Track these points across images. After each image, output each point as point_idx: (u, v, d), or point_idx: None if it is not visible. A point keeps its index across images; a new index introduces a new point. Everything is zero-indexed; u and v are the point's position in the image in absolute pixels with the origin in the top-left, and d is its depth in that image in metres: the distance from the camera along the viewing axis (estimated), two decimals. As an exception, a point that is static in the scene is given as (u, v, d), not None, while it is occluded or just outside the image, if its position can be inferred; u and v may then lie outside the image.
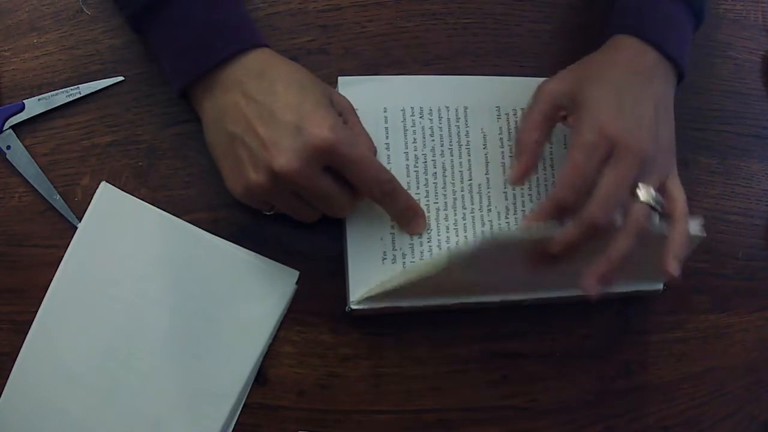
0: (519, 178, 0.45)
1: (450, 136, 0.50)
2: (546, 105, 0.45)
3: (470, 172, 0.50)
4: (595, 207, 0.41)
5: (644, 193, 0.42)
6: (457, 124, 0.50)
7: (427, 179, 0.49)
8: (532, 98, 0.46)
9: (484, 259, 0.42)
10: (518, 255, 0.43)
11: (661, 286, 0.52)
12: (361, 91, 0.48)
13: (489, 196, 0.50)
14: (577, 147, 0.42)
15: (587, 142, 0.42)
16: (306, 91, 0.43)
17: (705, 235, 0.46)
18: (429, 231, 0.48)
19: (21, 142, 0.47)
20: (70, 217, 0.47)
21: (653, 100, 0.44)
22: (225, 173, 0.45)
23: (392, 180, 0.45)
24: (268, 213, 0.47)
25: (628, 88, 0.44)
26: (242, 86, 0.43)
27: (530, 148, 0.45)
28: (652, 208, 0.42)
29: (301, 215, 0.46)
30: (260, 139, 0.42)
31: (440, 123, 0.50)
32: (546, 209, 0.43)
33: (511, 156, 0.50)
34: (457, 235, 0.49)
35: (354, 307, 0.47)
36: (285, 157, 0.41)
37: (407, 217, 0.48)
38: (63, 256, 0.46)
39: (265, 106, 0.42)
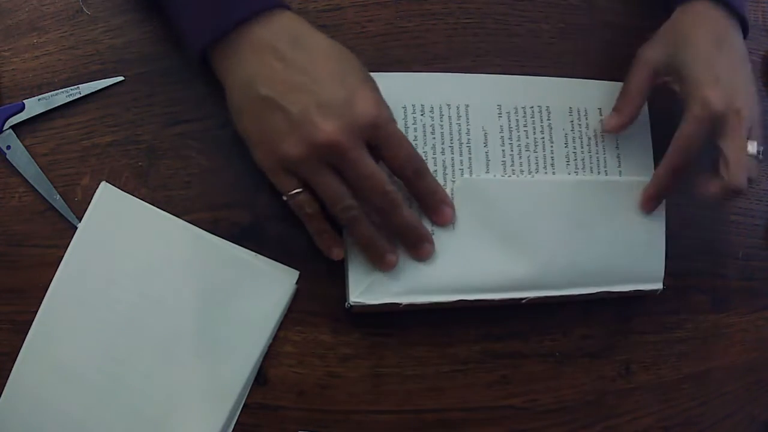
0: (617, 127, 0.50)
1: (451, 134, 0.50)
2: (645, 73, 0.49)
3: (471, 171, 0.50)
4: (733, 172, 0.46)
5: (750, 147, 0.47)
6: (458, 122, 0.50)
7: (427, 178, 0.49)
8: (633, 65, 0.50)
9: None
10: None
11: (660, 286, 0.52)
12: None
13: (489, 195, 0.50)
14: (688, 119, 0.46)
15: (697, 116, 0.46)
16: (346, 63, 0.42)
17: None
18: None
19: (21, 142, 0.47)
20: (70, 217, 0.47)
21: (738, 61, 0.48)
22: (253, 141, 0.43)
23: (422, 159, 0.46)
24: (291, 194, 0.44)
25: (719, 56, 0.47)
26: (276, 51, 0.41)
27: (632, 109, 0.50)
28: (757, 158, 0.47)
29: (335, 197, 0.43)
30: (303, 106, 0.40)
31: (441, 121, 0.50)
32: (660, 176, 0.49)
33: (511, 154, 0.50)
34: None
35: (354, 300, 0.47)
36: (332, 128, 0.40)
37: (432, 203, 0.47)
38: (63, 256, 0.46)
39: (307, 72, 0.41)
